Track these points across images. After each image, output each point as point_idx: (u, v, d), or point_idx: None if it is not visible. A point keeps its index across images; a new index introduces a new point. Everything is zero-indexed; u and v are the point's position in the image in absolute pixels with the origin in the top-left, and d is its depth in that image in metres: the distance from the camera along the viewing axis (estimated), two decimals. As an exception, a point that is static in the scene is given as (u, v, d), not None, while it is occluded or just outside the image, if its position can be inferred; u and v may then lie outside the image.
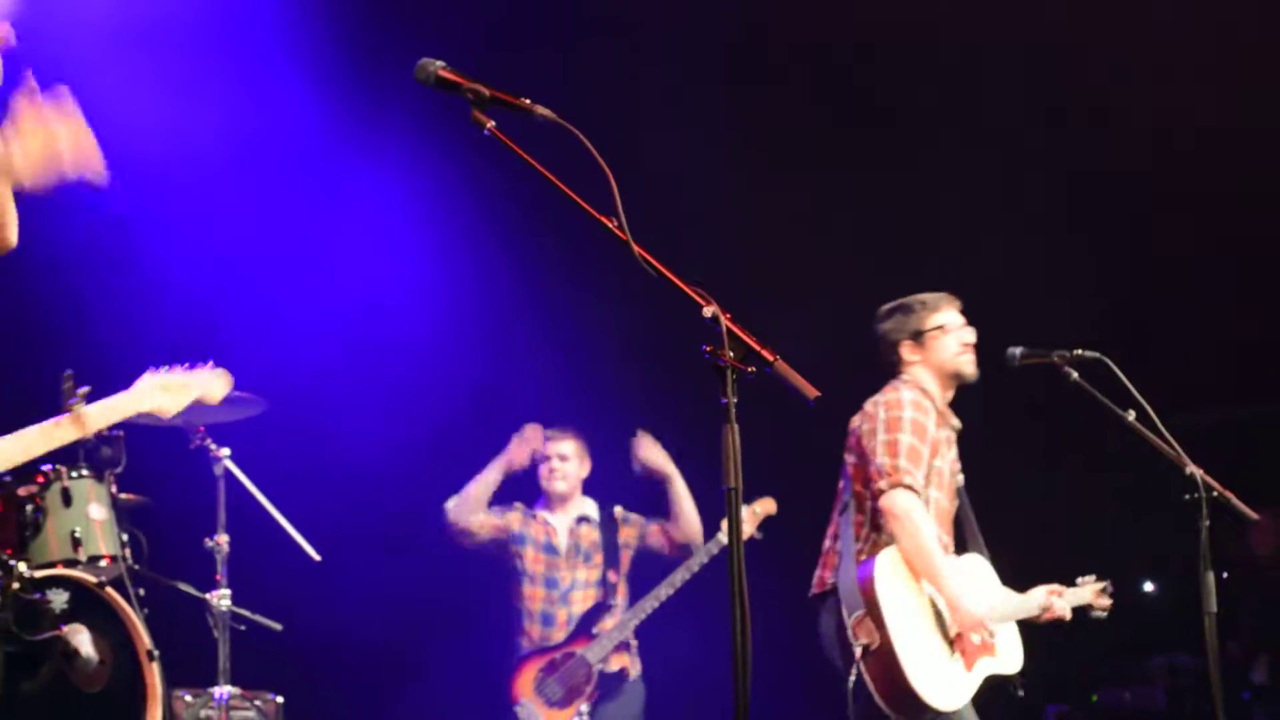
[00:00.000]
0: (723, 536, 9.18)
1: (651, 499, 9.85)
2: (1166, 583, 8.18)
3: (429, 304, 11.58)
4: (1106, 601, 7.54)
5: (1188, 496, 6.64)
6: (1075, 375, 6.89)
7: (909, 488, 7.00)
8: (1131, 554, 7.73)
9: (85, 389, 5.62)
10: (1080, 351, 6.83)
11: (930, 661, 6.95)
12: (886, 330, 7.49)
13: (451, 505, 9.61)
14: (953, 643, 7.03)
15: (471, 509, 9.59)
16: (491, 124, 4.43)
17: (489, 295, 11.77)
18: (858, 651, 6.88)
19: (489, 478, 9.63)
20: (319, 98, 11.42)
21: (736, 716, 4.36)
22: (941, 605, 7.04)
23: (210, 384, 5.64)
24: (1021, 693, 7.29)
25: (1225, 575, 8.20)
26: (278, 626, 8.69)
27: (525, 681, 8.90)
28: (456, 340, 11.54)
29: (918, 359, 7.41)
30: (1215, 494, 6.67)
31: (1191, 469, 6.65)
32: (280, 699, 9.04)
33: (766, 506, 9.51)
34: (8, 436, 5.58)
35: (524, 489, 9.81)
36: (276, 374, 9.61)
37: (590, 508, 9.80)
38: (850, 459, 7.31)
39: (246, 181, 10.92)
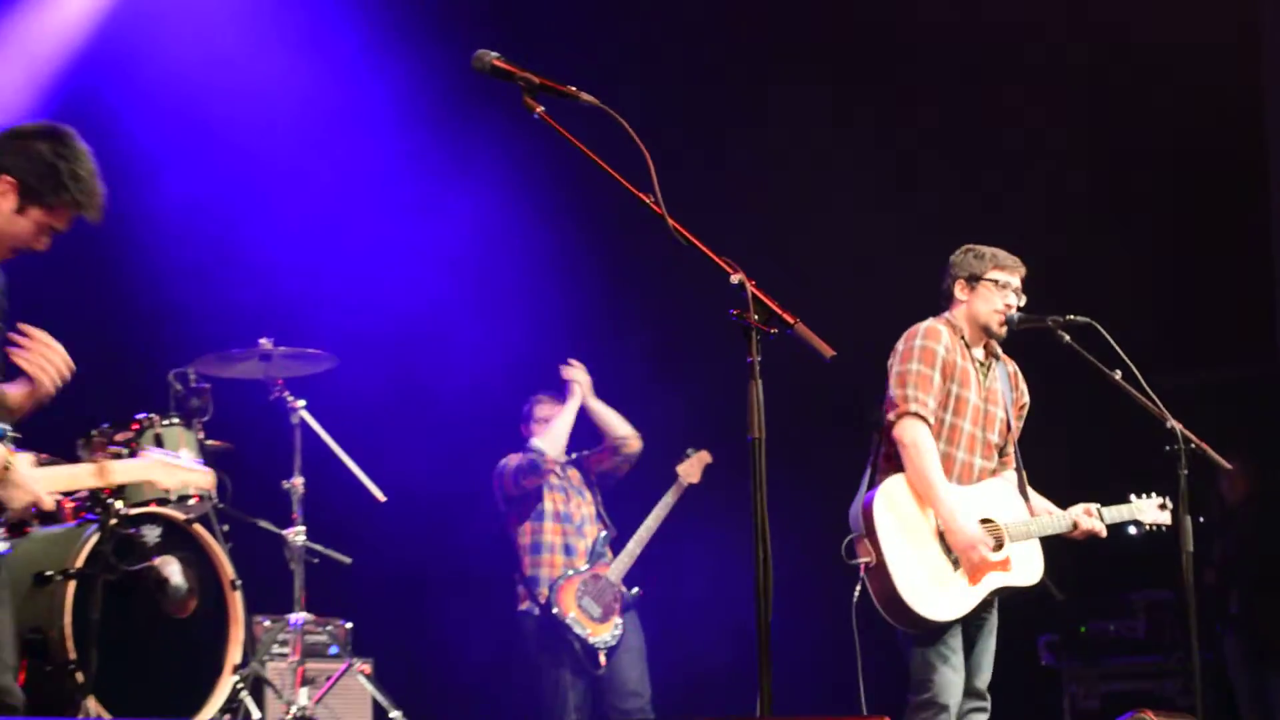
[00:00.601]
0: (687, 478, 9.87)
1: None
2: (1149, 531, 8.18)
3: (478, 274, 11.62)
4: (1165, 518, 7.43)
5: (1168, 448, 6.60)
6: (1067, 338, 6.85)
7: (916, 415, 6.98)
8: (1118, 500, 7.68)
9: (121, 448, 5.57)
10: (1072, 317, 6.80)
11: (926, 577, 6.93)
12: (954, 263, 7.39)
13: (546, 446, 9.56)
14: (957, 560, 6.97)
15: (561, 448, 9.69)
16: (540, 109, 4.46)
17: (530, 265, 11.78)
18: (861, 566, 6.91)
19: (569, 419, 9.69)
20: (394, 90, 11.45)
21: (759, 637, 4.32)
22: (945, 523, 6.97)
23: (190, 477, 5.56)
24: (1060, 596, 7.29)
25: (1201, 519, 8.18)
26: (347, 560, 8.69)
27: (568, 601, 8.95)
28: (502, 305, 11.58)
29: (964, 299, 7.32)
30: (1193, 445, 6.64)
31: (1172, 423, 6.63)
32: (349, 624, 9.08)
33: (704, 458, 9.90)
34: (50, 469, 5.46)
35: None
36: (346, 335, 9.61)
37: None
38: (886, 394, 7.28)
39: (324, 159, 10.94)
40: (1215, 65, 11.45)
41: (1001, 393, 7.34)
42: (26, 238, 4.99)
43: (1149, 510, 7.40)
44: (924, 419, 6.98)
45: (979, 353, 7.33)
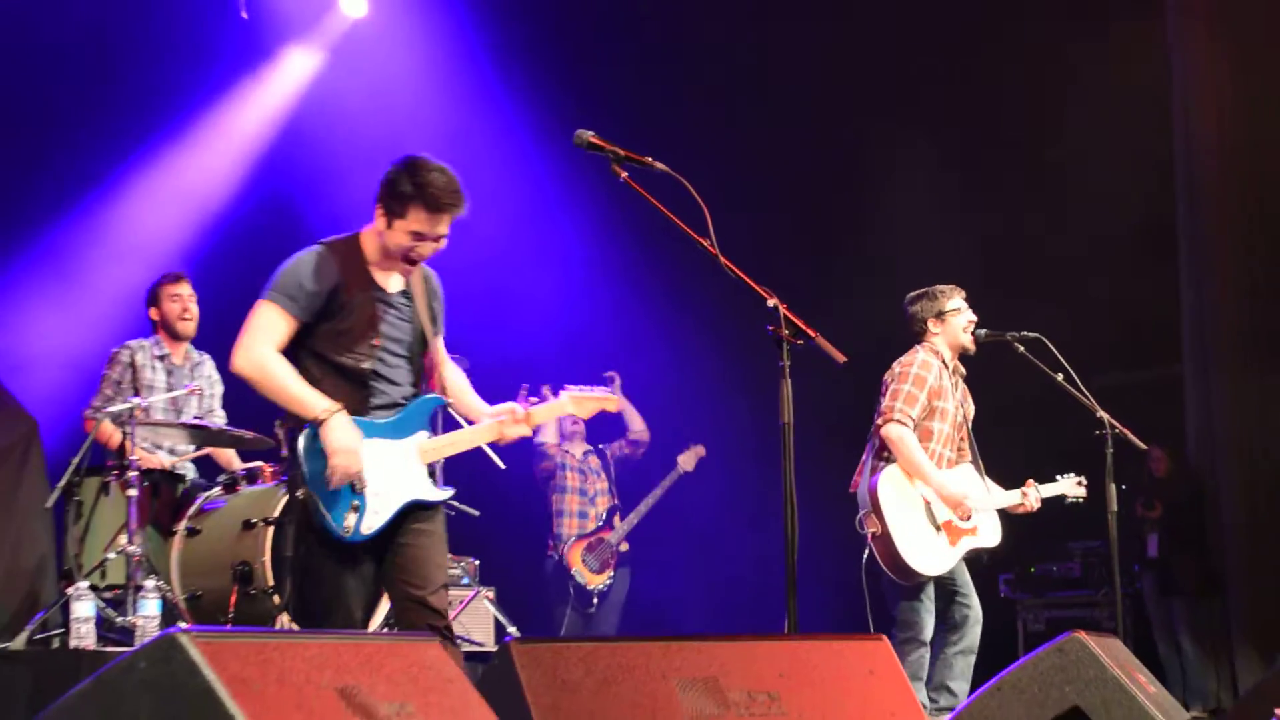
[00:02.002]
0: (683, 466, 10.28)
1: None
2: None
3: (576, 286, 11.74)
4: (1082, 491, 7.55)
5: (1098, 432, 6.61)
6: (1021, 349, 6.87)
7: (899, 421, 7.07)
8: (1061, 474, 7.77)
9: (534, 398, 5.20)
10: (1025, 332, 6.83)
11: (919, 541, 7.02)
12: (918, 309, 7.45)
13: (544, 435, 10.19)
14: (939, 527, 7.08)
15: (551, 430, 10.27)
16: (625, 174, 4.56)
17: (607, 281, 11.87)
18: (868, 536, 7.00)
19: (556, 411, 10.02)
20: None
21: (788, 574, 4.35)
22: (931, 499, 7.09)
23: (602, 403, 5.35)
24: (986, 559, 7.33)
25: (1124, 486, 8.17)
26: (476, 513, 8.70)
27: (575, 556, 9.53)
28: (591, 311, 11.70)
29: (938, 331, 7.38)
30: (1117, 431, 6.64)
31: (1101, 413, 6.62)
32: (477, 561, 9.11)
33: (699, 451, 10.31)
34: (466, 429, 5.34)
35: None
36: (476, 338, 9.64)
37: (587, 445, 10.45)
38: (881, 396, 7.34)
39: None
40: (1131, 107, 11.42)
41: (961, 402, 7.41)
42: (405, 245, 4.86)
43: (1070, 485, 7.52)
44: (905, 424, 7.08)
45: (949, 372, 7.41)
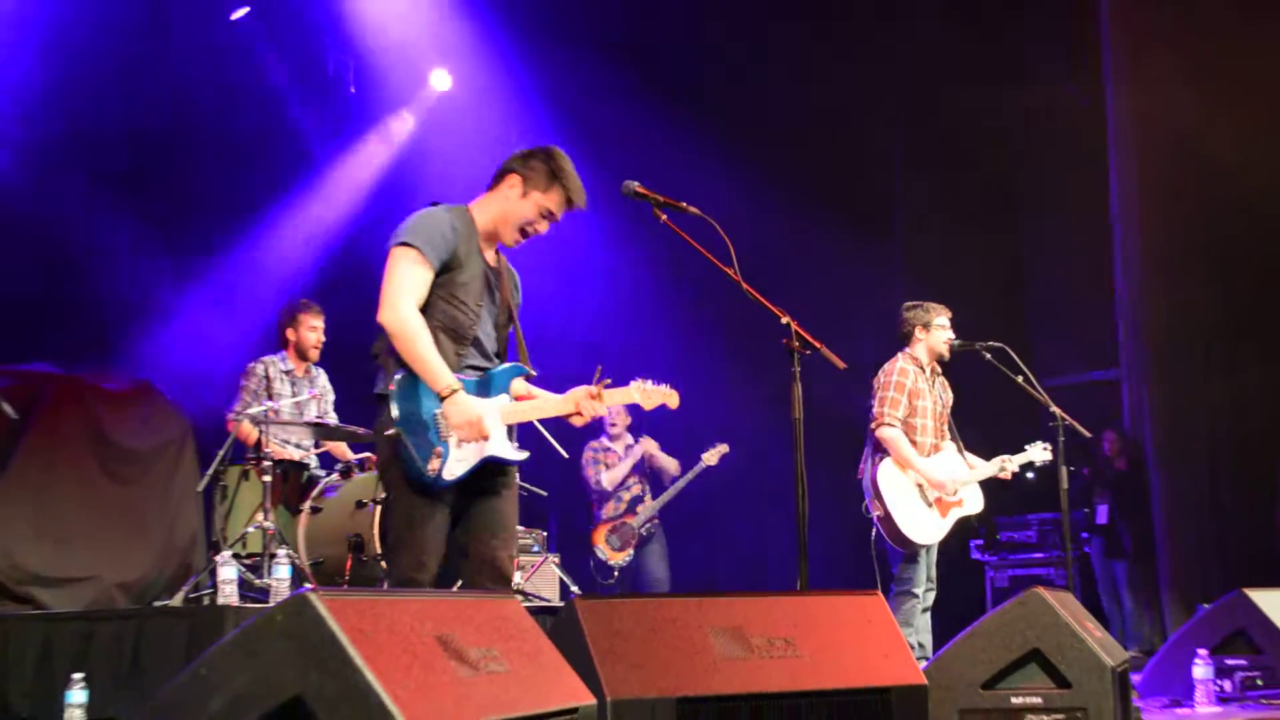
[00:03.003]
0: (707, 461, 9.59)
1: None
2: (1039, 473, 8.18)
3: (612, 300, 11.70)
4: (1049, 455, 7.45)
5: (1052, 424, 6.58)
6: (988, 356, 6.84)
7: (888, 424, 7.09)
8: (1019, 448, 7.80)
9: (608, 380, 4.75)
10: (991, 342, 6.81)
11: (916, 518, 7.06)
12: (909, 317, 7.44)
13: (606, 481, 9.76)
14: (931, 504, 7.12)
15: (616, 482, 9.84)
16: (664, 217, 4.55)
17: (642, 301, 11.86)
18: (875, 517, 7.06)
19: (627, 469, 9.87)
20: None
21: (799, 541, 4.35)
22: (922, 483, 7.12)
23: (664, 398, 4.89)
24: (977, 521, 7.42)
25: (1072, 468, 8.16)
26: (544, 492, 8.70)
27: (599, 536, 9.35)
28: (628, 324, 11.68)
29: (923, 338, 7.37)
30: (1067, 423, 6.60)
31: (1054, 408, 6.59)
32: (544, 532, 9.09)
33: (722, 449, 9.60)
34: (547, 397, 4.76)
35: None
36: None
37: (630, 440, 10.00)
38: (871, 401, 7.34)
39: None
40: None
41: (940, 395, 7.40)
42: (531, 216, 4.57)
43: (1038, 451, 7.46)
44: (893, 425, 7.10)
45: (928, 374, 7.41)
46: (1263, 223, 11.04)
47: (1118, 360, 11.79)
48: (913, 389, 7.23)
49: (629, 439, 9.99)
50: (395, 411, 4.30)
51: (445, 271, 4.40)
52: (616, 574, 9.34)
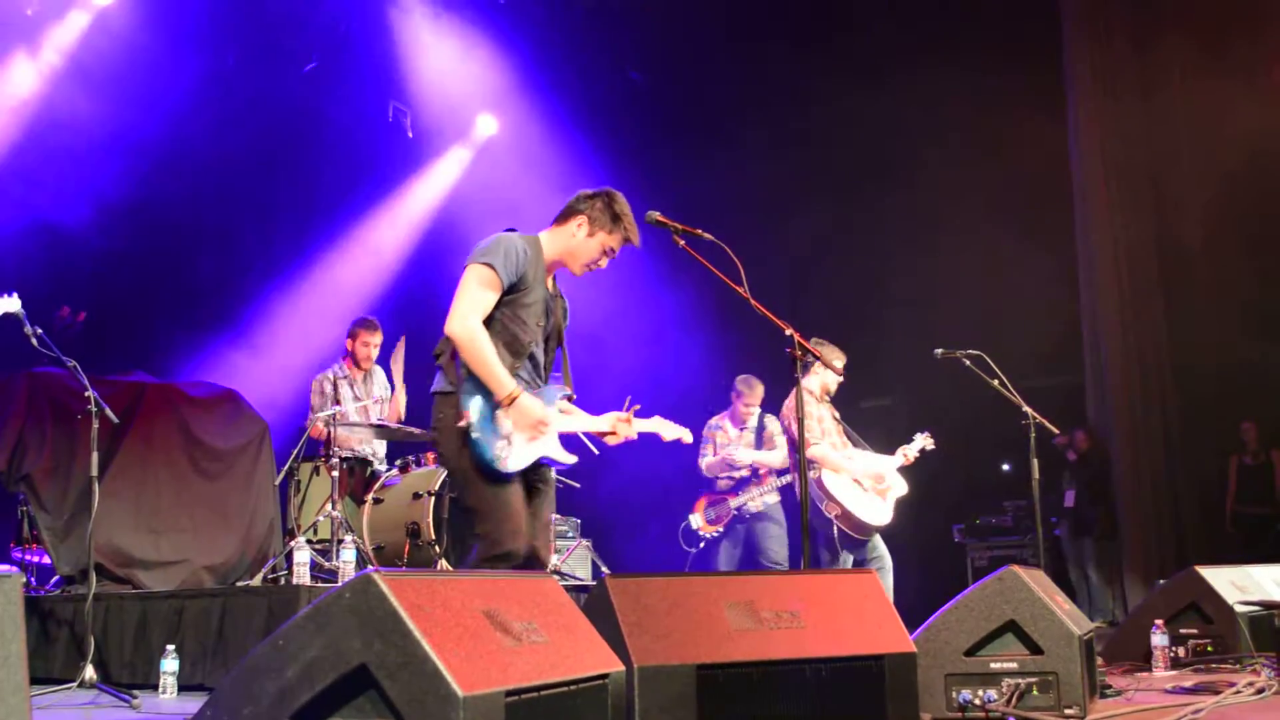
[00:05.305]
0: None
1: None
2: (1014, 463, 8.17)
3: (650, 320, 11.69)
4: (931, 444, 7.56)
5: (1023, 422, 6.52)
6: (968, 362, 6.78)
7: (813, 443, 7.22)
8: (999, 453, 7.71)
9: (637, 405, 4.70)
10: (970, 350, 6.73)
11: (866, 506, 7.23)
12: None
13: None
14: (872, 493, 7.34)
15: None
16: (682, 242, 4.52)
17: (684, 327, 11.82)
18: (832, 516, 7.17)
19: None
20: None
21: (803, 538, 4.35)
22: (861, 478, 7.32)
23: (677, 433, 4.84)
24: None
25: (1063, 440, 8.10)
26: (576, 484, 8.70)
27: (699, 507, 8.81)
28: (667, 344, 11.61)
29: (818, 374, 7.40)
30: (1037, 421, 6.55)
31: (1026, 408, 6.53)
32: (579, 520, 9.09)
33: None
34: (587, 415, 4.68)
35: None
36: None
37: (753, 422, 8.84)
38: (784, 433, 7.71)
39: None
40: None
41: (832, 413, 7.52)
42: (596, 255, 4.50)
43: (923, 439, 7.55)
44: (818, 443, 7.30)
45: (817, 399, 7.49)
46: (1214, 241, 11.05)
47: (1083, 364, 11.78)
48: (815, 414, 7.36)
49: (755, 419, 8.74)
50: (467, 406, 4.20)
51: (513, 291, 4.33)
52: (702, 544, 8.92)
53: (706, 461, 8.57)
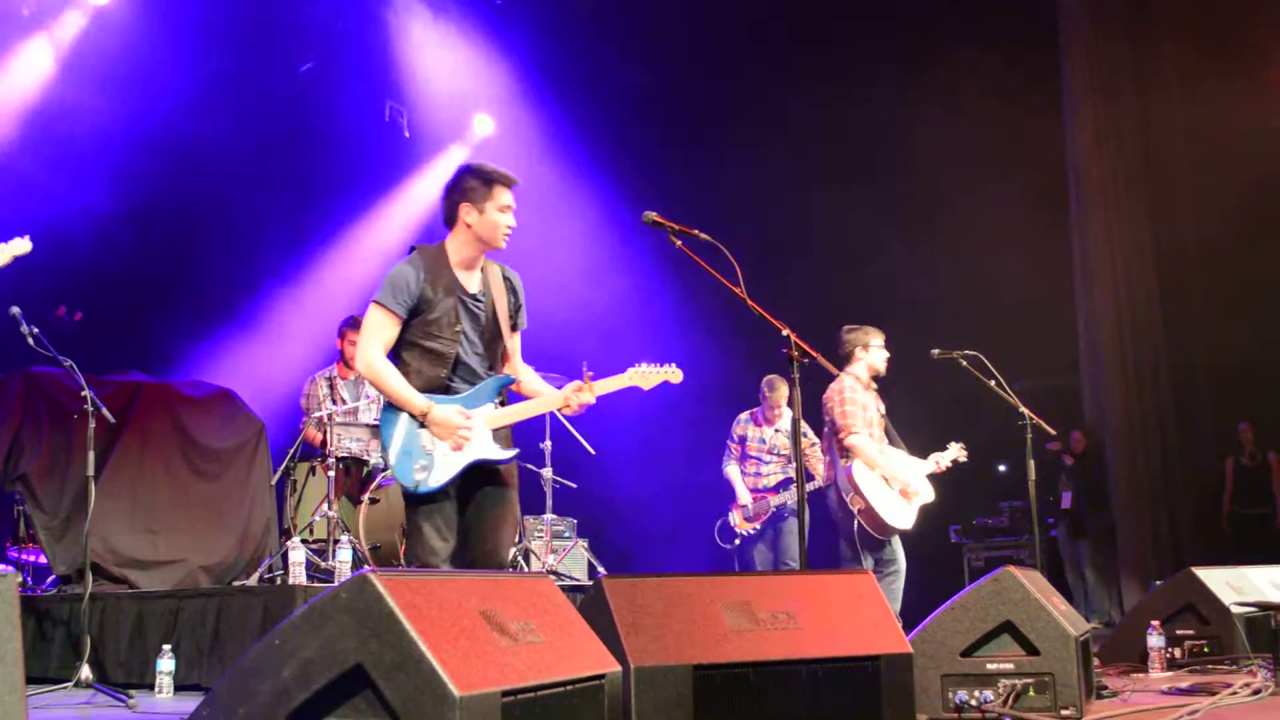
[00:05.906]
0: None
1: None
2: (1011, 465, 8.19)
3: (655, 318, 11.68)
4: (964, 456, 7.41)
5: (1020, 423, 6.53)
6: (965, 363, 6.78)
7: (855, 432, 6.99)
8: (995, 454, 7.72)
9: (591, 372, 4.56)
10: (967, 351, 6.72)
11: (890, 506, 6.97)
12: (848, 339, 7.30)
13: (743, 500, 8.80)
14: (899, 495, 7.04)
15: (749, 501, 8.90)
16: (680, 242, 4.52)
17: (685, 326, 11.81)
18: (855, 510, 6.93)
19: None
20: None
21: (799, 537, 4.35)
22: (889, 478, 7.04)
23: (665, 376, 4.62)
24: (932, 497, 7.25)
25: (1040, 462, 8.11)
26: (574, 485, 8.69)
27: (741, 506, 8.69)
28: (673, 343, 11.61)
29: (863, 357, 7.26)
30: (1034, 422, 6.56)
31: (1022, 409, 6.54)
32: (575, 520, 9.08)
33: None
34: (531, 400, 4.64)
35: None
36: (566, 354, 9.60)
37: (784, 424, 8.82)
38: (827, 416, 7.20)
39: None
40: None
41: (878, 405, 7.31)
42: (498, 223, 4.53)
43: (956, 450, 7.36)
44: (859, 433, 7.01)
45: (863, 387, 7.31)
46: (1210, 243, 11.07)
47: (1079, 367, 11.80)
48: (863, 403, 7.16)
49: (785, 419, 8.73)
50: (382, 440, 4.45)
51: (416, 314, 4.46)
52: (738, 541, 8.80)
53: (727, 468, 8.69)
